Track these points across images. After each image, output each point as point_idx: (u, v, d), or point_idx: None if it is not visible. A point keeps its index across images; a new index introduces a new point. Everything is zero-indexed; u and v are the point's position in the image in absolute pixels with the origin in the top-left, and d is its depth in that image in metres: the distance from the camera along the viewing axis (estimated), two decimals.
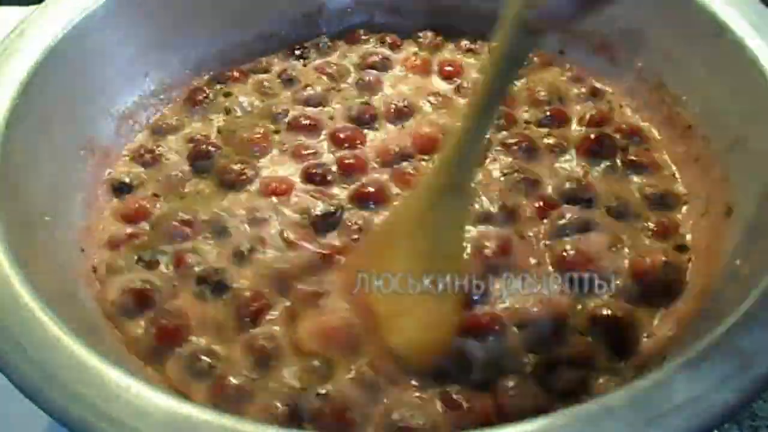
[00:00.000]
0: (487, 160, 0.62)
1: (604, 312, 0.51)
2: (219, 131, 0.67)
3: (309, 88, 0.70)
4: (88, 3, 0.63)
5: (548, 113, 0.67)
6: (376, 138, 0.65)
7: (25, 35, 0.59)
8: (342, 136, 0.65)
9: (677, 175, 0.62)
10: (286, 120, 0.67)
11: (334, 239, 0.57)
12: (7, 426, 0.56)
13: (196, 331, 0.52)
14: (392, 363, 0.48)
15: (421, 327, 0.49)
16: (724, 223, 0.54)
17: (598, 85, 0.70)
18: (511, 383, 0.48)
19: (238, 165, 0.62)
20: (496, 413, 0.47)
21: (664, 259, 0.54)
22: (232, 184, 0.62)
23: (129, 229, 0.59)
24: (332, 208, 0.58)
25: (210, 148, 0.65)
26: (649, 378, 0.38)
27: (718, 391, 0.37)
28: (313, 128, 0.66)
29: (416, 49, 0.75)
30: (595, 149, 0.63)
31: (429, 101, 0.69)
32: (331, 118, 0.67)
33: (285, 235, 0.57)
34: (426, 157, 0.63)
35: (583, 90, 0.70)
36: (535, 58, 0.72)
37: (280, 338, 0.51)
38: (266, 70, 0.74)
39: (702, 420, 0.36)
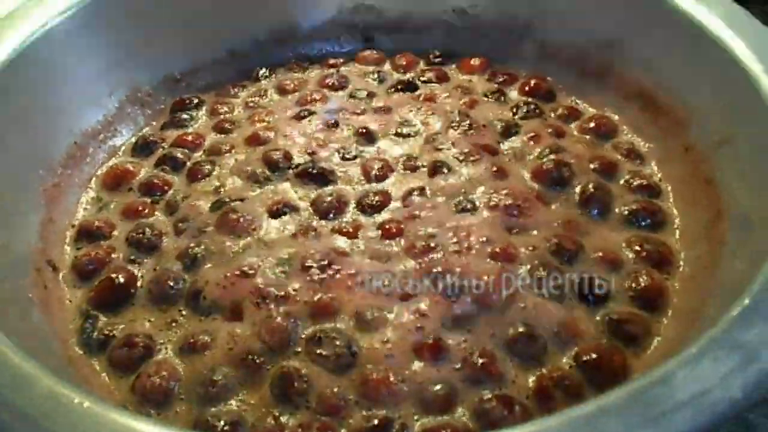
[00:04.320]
0: None
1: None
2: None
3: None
4: (49, 17, 0.61)
5: None
6: None
7: None
8: None
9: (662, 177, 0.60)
10: None
11: None
12: None
13: None
14: None
15: None
16: (714, 223, 0.52)
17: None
18: None
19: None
20: None
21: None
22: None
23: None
24: None
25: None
26: (649, 375, 0.35)
27: (722, 387, 0.34)
28: None
29: None
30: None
31: None
32: None
33: None
34: None
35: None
36: None
37: None
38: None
39: (707, 416, 0.33)
